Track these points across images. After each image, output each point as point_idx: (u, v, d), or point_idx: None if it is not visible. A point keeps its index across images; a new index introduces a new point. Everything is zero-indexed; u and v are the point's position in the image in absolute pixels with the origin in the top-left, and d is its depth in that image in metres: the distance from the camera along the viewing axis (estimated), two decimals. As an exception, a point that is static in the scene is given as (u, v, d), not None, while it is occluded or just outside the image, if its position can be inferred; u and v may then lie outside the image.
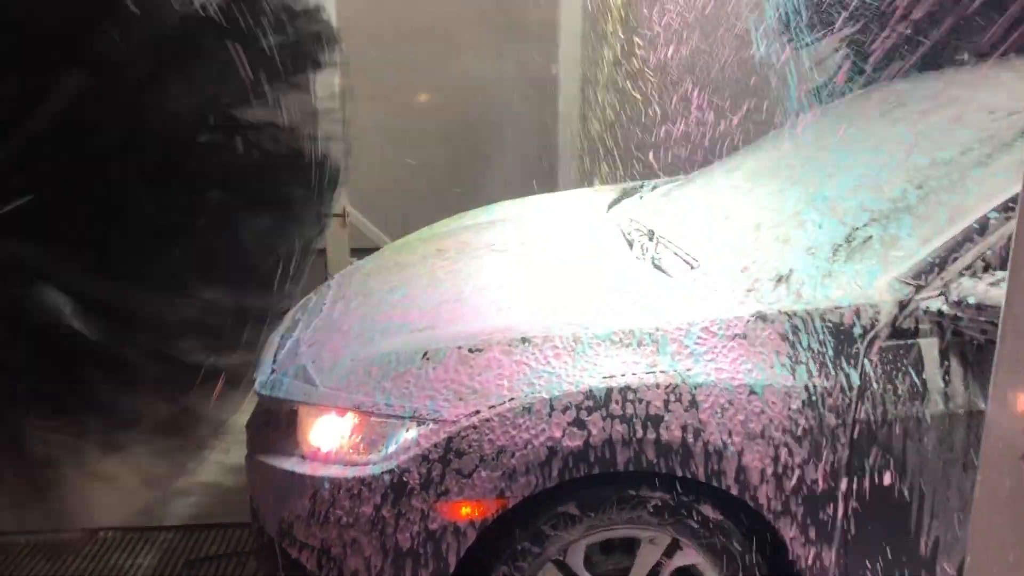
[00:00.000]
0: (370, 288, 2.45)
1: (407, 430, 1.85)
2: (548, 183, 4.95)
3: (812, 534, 1.84)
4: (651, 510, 1.85)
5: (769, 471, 1.80)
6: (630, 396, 1.78)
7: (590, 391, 1.79)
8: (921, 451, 1.81)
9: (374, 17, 4.85)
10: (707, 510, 1.86)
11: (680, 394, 1.79)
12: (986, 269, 1.84)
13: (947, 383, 1.81)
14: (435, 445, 1.81)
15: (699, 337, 1.85)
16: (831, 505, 1.82)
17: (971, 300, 1.74)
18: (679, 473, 1.80)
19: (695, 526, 1.87)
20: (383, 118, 4.81)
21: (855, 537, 1.84)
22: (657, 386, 1.79)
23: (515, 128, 5.17)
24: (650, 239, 2.45)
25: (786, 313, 1.86)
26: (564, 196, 3.35)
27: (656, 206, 2.80)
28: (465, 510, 1.81)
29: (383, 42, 4.79)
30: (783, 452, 1.80)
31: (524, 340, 1.89)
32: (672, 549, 1.93)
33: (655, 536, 1.91)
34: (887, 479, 1.80)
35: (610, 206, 2.95)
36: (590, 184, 4.42)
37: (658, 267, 2.22)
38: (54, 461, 2.12)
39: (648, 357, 1.83)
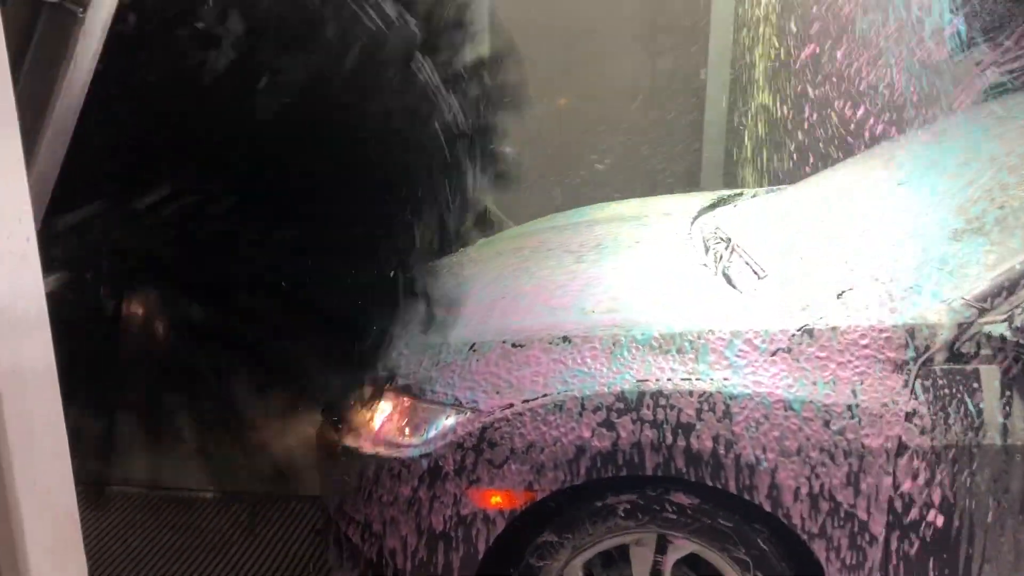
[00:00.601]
0: (442, 281, 2.55)
1: (447, 417, 1.93)
2: (691, 187, 4.89)
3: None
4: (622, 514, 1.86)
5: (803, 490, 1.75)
6: (662, 402, 1.79)
7: (622, 393, 1.80)
8: (972, 486, 1.71)
9: (523, 18, 4.86)
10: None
11: (715, 403, 1.77)
12: (1062, 295, 1.71)
13: (1008, 415, 1.70)
14: (470, 434, 1.88)
15: (740, 349, 1.82)
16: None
17: (997, 329, 1.63)
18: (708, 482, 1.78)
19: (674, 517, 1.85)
20: (528, 120, 4.83)
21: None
22: (691, 394, 1.78)
23: (659, 132, 5.08)
24: (726, 247, 2.41)
25: (833, 329, 1.80)
26: (665, 200, 3.33)
27: (745, 214, 2.75)
28: (495, 499, 1.87)
29: (531, 43, 4.80)
30: (816, 471, 1.74)
31: (565, 339, 1.93)
32: (663, 545, 1.91)
33: (640, 537, 1.90)
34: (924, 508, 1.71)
35: (701, 212, 2.92)
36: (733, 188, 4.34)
37: (725, 276, 2.20)
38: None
39: (687, 364, 1.82)
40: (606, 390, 1.82)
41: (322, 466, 2.25)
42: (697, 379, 1.79)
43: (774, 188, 3.13)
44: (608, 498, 1.85)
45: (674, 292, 2.11)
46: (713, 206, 3.00)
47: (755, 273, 2.17)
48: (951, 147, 2.37)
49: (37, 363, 1.14)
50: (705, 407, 1.77)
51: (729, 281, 2.16)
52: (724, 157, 5.07)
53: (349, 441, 2.08)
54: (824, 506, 1.76)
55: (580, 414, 1.82)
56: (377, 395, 2.08)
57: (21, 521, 1.12)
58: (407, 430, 2.00)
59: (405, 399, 2.02)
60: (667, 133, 5.10)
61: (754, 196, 3.06)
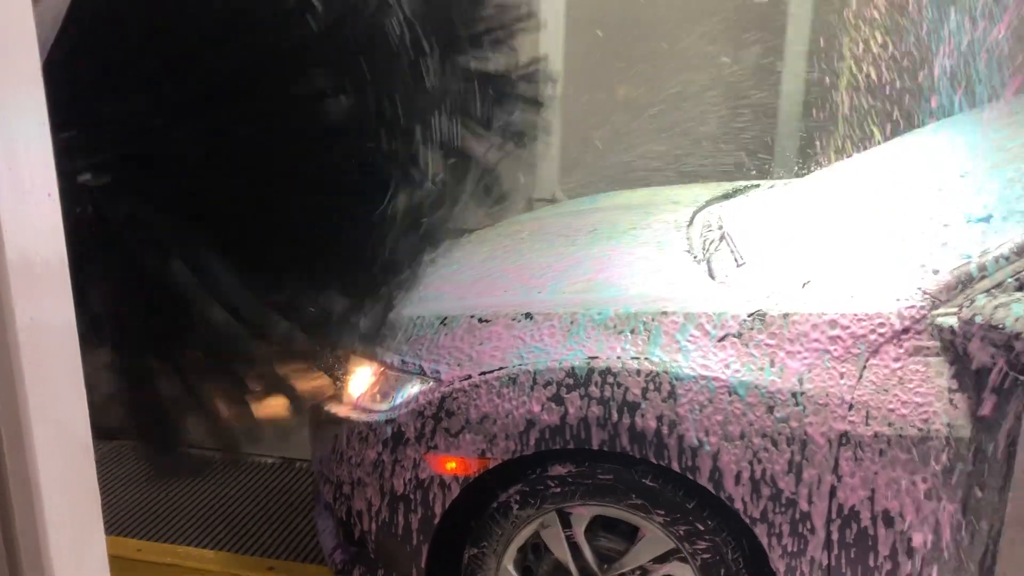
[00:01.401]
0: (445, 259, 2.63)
1: (412, 386, 2.02)
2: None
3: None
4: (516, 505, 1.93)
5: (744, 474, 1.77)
6: (609, 379, 1.83)
7: (572, 369, 1.85)
8: (916, 479, 1.69)
9: (600, 8, 4.82)
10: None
11: (660, 383, 1.80)
12: (1020, 289, 1.67)
13: (953, 408, 1.67)
14: (430, 403, 1.96)
15: (691, 333, 1.84)
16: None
17: (979, 319, 1.60)
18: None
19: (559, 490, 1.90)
20: (598, 109, 4.79)
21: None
22: (638, 373, 1.82)
23: (732, 124, 4.96)
24: (718, 236, 2.42)
25: (784, 316, 1.80)
26: (680, 189, 3.32)
27: (750, 204, 2.74)
28: (451, 465, 1.95)
29: (606, 33, 4.76)
30: (758, 455, 1.76)
31: (527, 316, 1.99)
32: (566, 518, 1.97)
33: (543, 520, 1.97)
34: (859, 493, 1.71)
35: (710, 202, 2.91)
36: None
37: (707, 263, 2.21)
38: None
39: (638, 345, 1.86)
40: (557, 366, 1.87)
41: (310, 429, 2.37)
42: (646, 359, 1.83)
43: (790, 180, 3.09)
44: (500, 496, 1.92)
45: (647, 276, 2.14)
46: (727, 196, 2.99)
47: (735, 261, 2.18)
48: (975, 140, 2.31)
49: (56, 310, 1.17)
50: (651, 387, 1.81)
51: (708, 268, 2.17)
52: (797, 151, 4.93)
53: (329, 405, 2.20)
54: (766, 491, 1.77)
55: (532, 388, 1.88)
56: (352, 360, 2.19)
57: (34, 452, 1.15)
58: (378, 396, 2.10)
59: (378, 367, 2.11)
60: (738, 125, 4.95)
61: (771, 187, 3.04)
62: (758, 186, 3.11)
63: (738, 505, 1.80)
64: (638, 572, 1.95)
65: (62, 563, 1.18)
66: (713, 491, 1.80)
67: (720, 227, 2.47)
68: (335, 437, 2.13)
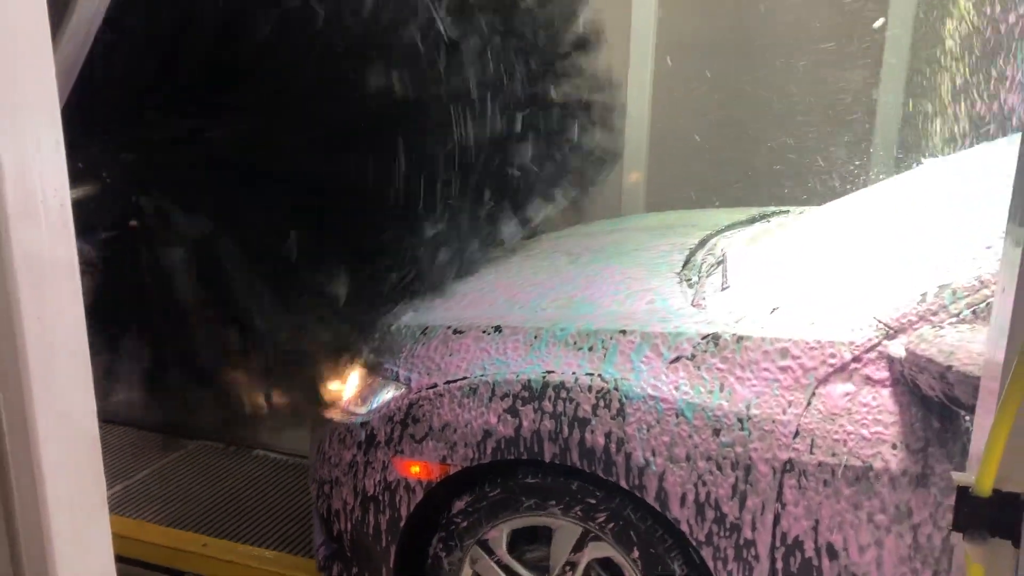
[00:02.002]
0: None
1: (387, 392, 2.11)
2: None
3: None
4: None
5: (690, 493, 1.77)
6: (563, 394, 1.87)
7: (528, 382, 1.90)
8: (860, 508, 1.65)
9: (692, 25, 4.67)
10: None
11: (610, 400, 1.83)
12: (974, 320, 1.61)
13: (899, 438, 1.63)
14: (399, 408, 2.05)
15: (646, 354, 1.86)
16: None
17: (921, 349, 1.56)
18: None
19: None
20: (689, 125, 4.62)
21: (779, 588, 1.73)
22: (589, 389, 1.85)
23: (826, 143, 4.80)
24: (715, 260, 2.41)
25: (738, 340, 1.79)
26: (707, 214, 3.30)
27: (762, 230, 2.70)
28: (415, 469, 2.03)
29: (699, 50, 4.59)
30: (704, 476, 1.75)
31: (497, 329, 2.05)
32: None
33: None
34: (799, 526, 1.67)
35: (729, 227, 2.89)
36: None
37: (691, 286, 2.22)
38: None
39: (594, 362, 1.89)
40: (515, 378, 1.92)
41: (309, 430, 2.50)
42: (599, 376, 1.86)
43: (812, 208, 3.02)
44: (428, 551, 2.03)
45: (627, 296, 2.16)
46: (750, 221, 2.96)
47: (721, 285, 2.17)
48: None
49: (65, 309, 1.24)
50: (601, 404, 1.83)
51: (690, 291, 2.18)
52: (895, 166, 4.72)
53: (322, 406, 2.31)
54: (710, 515, 1.76)
55: (490, 399, 1.93)
56: (348, 365, 2.30)
57: (38, 441, 1.22)
58: (359, 400, 2.20)
59: (361, 371, 2.22)
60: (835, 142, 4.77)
61: (798, 214, 2.99)
62: (786, 212, 3.06)
63: (684, 527, 1.80)
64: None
65: (64, 550, 1.24)
66: (659, 510, 1.81)
67: (722, 251, 2.46)
68: (321, 438, 2.24)
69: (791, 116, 4.57)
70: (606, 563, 1.94)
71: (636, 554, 1.86)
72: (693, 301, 2.10)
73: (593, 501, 1.87)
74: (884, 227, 2.14)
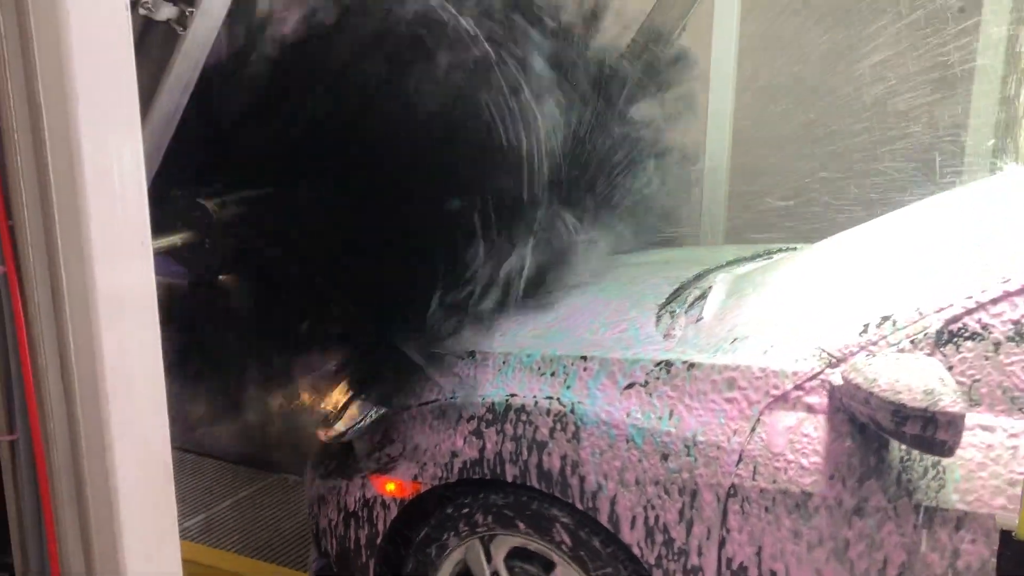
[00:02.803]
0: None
1: (372, 412, 2.22)
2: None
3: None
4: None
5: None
6: (523, 417, 1.94)
7: (492, 405, 1.98)
8: (799, 534, 1.66)
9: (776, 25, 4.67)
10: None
11: (566, 424, 1.89)
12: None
13: (837, 467, 1.64)
14: (378, 428, 2.15)
15: (603, 381, 1.92)
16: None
17: (851, 376, 1.58)
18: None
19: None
20: (781, 123, 4.31)
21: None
22: (548, 413, 1.92)
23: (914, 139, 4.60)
24: (700, 294, 2.45)
25: (689, 368, 1.84)
26: (720, 250, 3.31)
27: (758, 266, 2.72)
28: (390, 487, 2.12)
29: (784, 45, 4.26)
30: (652, 502, 1.79)
31: (471, 354, 2.14)
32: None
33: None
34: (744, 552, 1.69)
35: (731, 263, 2.91)
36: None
37: (670, 316, 2.26)
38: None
39: (555, 387, 1.96)
40: (480, 401, 2.00)
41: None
42: (557, 400, 1.92)
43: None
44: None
45: (603, 326, 2.22)
46: (753, 258, 2.97)
47: (696, 318, 2.22)
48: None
49: (143, 333, 1.35)
50: (558, 427, 1.90)
51: (665, 323, 2.22)
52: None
53: (318, 427, 2.45)
54: (659, 538, 1.80)
55: (457, 421, 2.02)
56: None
57: (115, 464, 1.32)
58: (348, 419, 2.31)
59: (347, 392, 2.34)
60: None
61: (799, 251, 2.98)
62: (794, 249, 3.06)
63: (635, 551, 1.84)
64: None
65: (136, 569, 1.34)
66: (612, 531, 1.85)
67: (709, 286, 2.50)
68: (313, 457, 2.36)
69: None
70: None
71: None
72: (665, 332, 2.14)
73: (556, 523, 1.93)
74: (867, 262, 2.14)
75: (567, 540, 1.92)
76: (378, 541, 2.16)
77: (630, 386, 1.88)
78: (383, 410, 2.18)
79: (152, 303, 1.37)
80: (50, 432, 1.33)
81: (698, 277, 2.69)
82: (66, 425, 1.32)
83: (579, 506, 1.88)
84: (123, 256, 1.30)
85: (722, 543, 1.74)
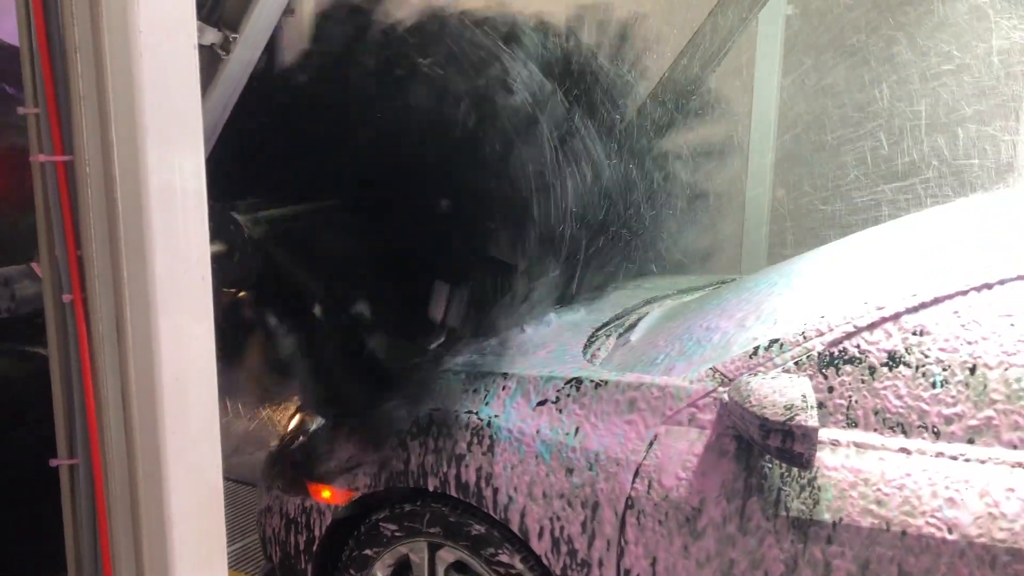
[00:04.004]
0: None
1: (313, 422, 2.33)
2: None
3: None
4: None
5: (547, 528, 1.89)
6: (444, 431, 2.04)
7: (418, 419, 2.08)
8: (691, 547, 1.73)
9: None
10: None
11: (482, 438, 1.98)
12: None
13: (727, 480, 1.71)
14: (318, 439, 2.26)
15: (519, 398, 2.01)
16: None
17: (731, 394, 1.66)
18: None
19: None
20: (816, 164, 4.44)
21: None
22: (466, 427, 2.01)
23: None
24: (636, 319, 2.53)
25: (596, 386, 1.92)
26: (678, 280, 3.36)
27: (697, 294, 2.80)
28: (326, 494, 2.22)
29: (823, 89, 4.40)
30: (558, 511, 1.88)
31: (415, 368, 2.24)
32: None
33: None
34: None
35: (679, 292, 2.96)
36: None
37: (593, 338, 2.35)
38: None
39: (476, 403, 2.05)
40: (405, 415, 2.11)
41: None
42: (475, 415, 2.02)
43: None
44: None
45: (538, 347, 2.31)
46: (704, 286, 3.04)
47: (624, 342, 2.30)
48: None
49: (200, 364, 1.41)
50: (475, 441, 1.99)
51: (592, 346, 2.31)
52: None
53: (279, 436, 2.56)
54: (564, 549, 1.88)
55: (387, 433, 2.12)
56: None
57: (169, 490, 1.37)
58: (293, 429, 2.43)
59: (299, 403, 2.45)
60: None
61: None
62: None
63: (545, 560, 1.92)
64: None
65: None
66: (524, 540, 1.93)
67: (646, 312, 2.58)
68: (263, 468, 2.48)
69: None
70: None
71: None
72: (592, 353, 2.23)
73: (474, 532, 2.01)
74: (777, 290, 2.21)
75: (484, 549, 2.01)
76: (315, 547, 2.26)
77: (542, 403, 1.97)
78: (323, 421, 2.29)
79: (210, 337, 1.41)
80: (109, 458, 1.38)
81: (646, 303, 2.78)
82: (124, 451, 1.37)
83: (494, 515, 1.96)
84: (184, 290, 1.35)
85: (620, 554, 1.82)
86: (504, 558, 1.98)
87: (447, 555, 2.07)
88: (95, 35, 1.26)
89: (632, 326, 2.44)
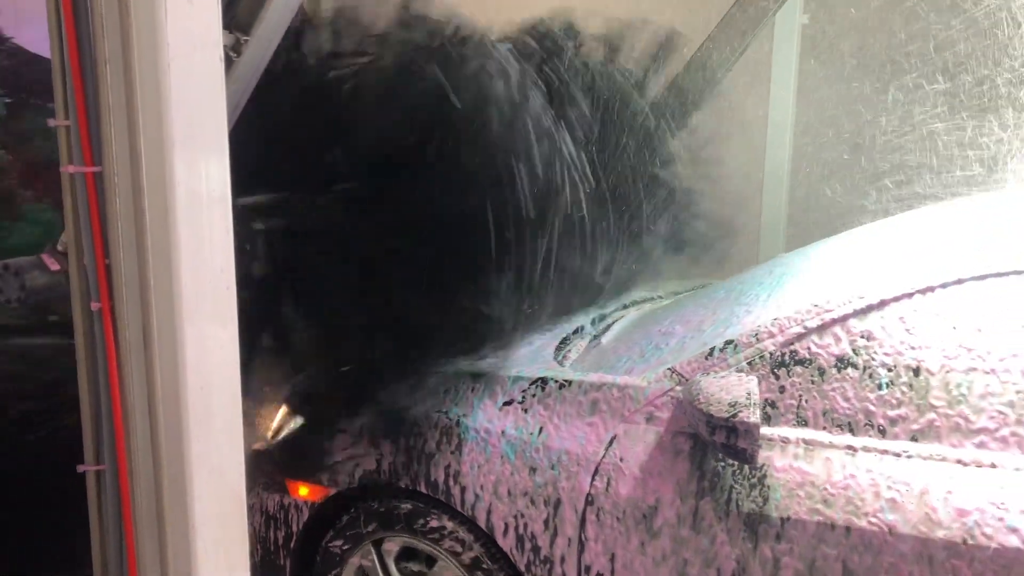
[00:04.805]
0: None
1: (293, 423, 2.39)
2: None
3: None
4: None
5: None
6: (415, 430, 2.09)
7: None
8: (648, 544, 1.77)
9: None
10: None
11: (450, 437, 2.03)
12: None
13: (682, 477, 1.75)
14: (297, 436, 2.32)
15: (486, 399, 2.06)
16: None
17: (682, 392, 1.70)
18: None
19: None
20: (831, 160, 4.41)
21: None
22: (435, 427, 2.06)
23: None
24: (610, 323, 2.57)
25: (560, 386, 1.97)
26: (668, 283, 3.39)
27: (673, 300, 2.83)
28: (303, 491, 2.28)
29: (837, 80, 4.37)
30: (522, 513, 1.92)
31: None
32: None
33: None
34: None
35: (660, 298, 2.99)
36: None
37: (566, 340, 2.40)
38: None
39: (445, 403, 2.10)
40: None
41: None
42: (444, 414, 2.07)
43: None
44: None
45: (520, 349, 2.35)
46: (687, 291, 3.07)
47: (594, 344, 2.35)
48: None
49: (224, 371, 1.43)
50: (443, 440, 2.04)
51: (565, 348, 2.35)
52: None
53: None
54: (528, 545, 1.93)
55: (360, 431, 2.17)
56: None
57: (193, 495, 1.40)
58: (273, 428, 2.48)
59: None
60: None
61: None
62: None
63: (511, 556, 1.96)
64: None
65: None
66: (490, 535, 1.98)
67: (621, 316, 2.62)
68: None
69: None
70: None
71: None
72: (563, 354, 2.27)
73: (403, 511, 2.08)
74: (742, 294, 2.25)
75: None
76: (292, 543, 2.32)
77: (508, 403, 2.02)
78: (301, 419, 2.35)
79: (234, 344, 1.43)
80: (135, 464, 1.41)
81: (625, 307, 2.82)
82: (150, 457, 1.40)
83: (461, 511, 2.01)
84: (209, 298, 1.37)
85: (581, 551, 1.86)
86: (434, 523, 2.05)
87: (391, 546, 2.14)
88: (125, 48, 1.28)
89: (607, 328, 2.49)
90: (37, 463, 2.01)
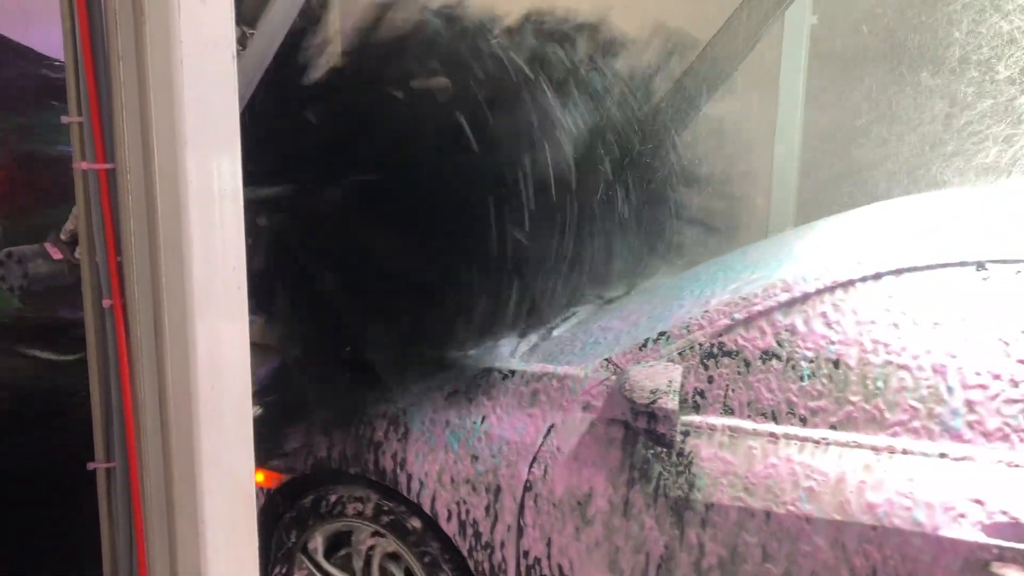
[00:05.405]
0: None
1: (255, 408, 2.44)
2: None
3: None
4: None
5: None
6: (365, 419, 2.14)
7: (341, 408, 2.19)
8: (587, 531, 1.82)
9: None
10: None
11: (397, 426, 2.08)
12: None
13: (619, 465, 1.79)
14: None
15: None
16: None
17: (613, 383, 1.74)
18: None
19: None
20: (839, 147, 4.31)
21: None
22: (383, 416, 2.11)
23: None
24: (573, 313, 2.61)
25: (504, 376, 2.02)
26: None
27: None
28: (258, 477, 2.33)
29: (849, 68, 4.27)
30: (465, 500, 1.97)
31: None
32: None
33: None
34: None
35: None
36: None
37: (521, 332, 2.44)
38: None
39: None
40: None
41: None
42: (391, 405, 2.12)
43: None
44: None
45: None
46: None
47: (556, 332, 2.39)
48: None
49: (235, 368, 1.43)
50: (391, 429, 2.09)
51: (524, 337, 2.39)
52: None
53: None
54: (470, 531, 1.98)
55: (312, 420, 2.22)
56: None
57: (203, 493, 1.40)
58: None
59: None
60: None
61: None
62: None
63: (455, 542, 2.01)
64: None
65: None
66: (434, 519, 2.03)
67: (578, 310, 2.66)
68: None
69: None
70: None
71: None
72: (517, 347, 2.32)
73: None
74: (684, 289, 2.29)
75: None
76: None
77: (453, 392, 2.06)
78: (259, 409, 2.40)
79: (245, 341, 1.43)
80: (145, 461, 1.41)
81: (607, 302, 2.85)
82: (160, 454, 1.40)
83: (408, 497, 2.06)
84: (220, 295, 1.38)
85: (520, 537, 1.91)
86: (359, 495, 2.11)
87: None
88: (138, 45, 1.28)
89: (561, 324, 2.52)
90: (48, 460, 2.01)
